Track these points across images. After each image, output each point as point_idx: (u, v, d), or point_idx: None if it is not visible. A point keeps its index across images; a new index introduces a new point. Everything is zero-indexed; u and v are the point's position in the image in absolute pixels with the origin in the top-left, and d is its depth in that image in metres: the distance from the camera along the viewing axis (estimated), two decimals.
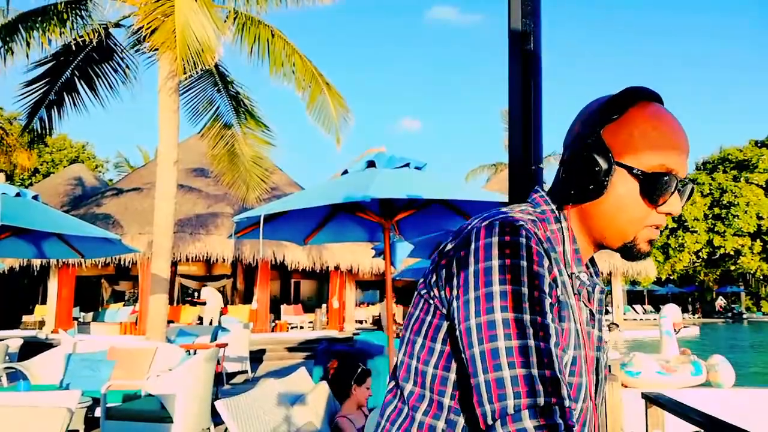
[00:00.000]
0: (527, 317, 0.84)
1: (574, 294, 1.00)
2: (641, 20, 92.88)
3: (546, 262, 0.90)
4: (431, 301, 0.97)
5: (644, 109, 0.98)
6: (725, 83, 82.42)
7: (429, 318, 0.98)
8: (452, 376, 0.95)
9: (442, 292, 0.94)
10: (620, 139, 0.97)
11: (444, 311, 0.95)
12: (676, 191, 0.97)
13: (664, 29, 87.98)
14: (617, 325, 25.22)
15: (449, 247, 0.96)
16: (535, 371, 0.81)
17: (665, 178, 0.95)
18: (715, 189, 40.61)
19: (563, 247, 1.01)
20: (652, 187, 0.95)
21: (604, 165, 0.96)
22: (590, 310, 1.05)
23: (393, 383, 1.06)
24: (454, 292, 0.91)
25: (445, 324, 0.95)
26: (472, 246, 0.90)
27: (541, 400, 0.79)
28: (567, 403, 0.82)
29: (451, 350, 0.95)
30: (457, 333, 0.89)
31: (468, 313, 0.87)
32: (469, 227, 0.94)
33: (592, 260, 1.12)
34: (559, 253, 1.00)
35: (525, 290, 0.85)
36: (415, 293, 1.03)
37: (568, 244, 1.01)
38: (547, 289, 0.89)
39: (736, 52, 79.46)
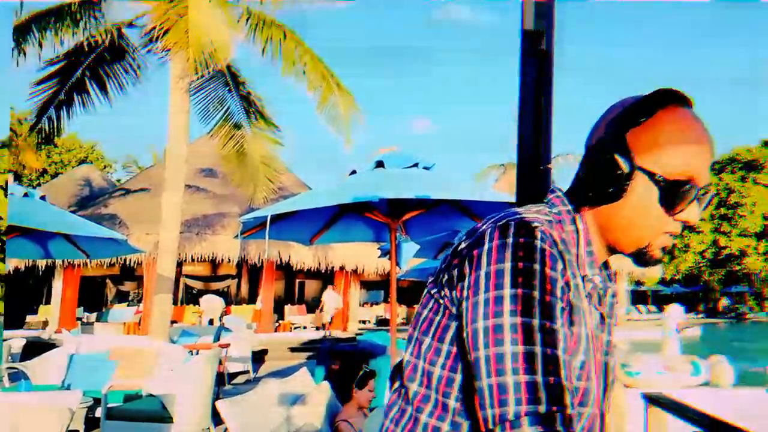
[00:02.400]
0: (536, 322, 0.83)
1: (586, 297, 0.98)
2: (652, 19, 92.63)
3: (560, 265, 0.89)
4: (441, 301, 0.96)
5: (672, 113, 0.95)
6: (734, 83, 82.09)
7: (438, 318, 0.96)
8: (459, 377, 0.94)
9: (453, 292, 0.93)
10: (645, 142, 0.94)
11: (453, 311, 0.93)
12: (696, 200, 0.94)
13: (677, 26, 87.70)
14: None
15: (462, 246, 0.94)
16: (539, 378, 0.80)
17: (686, 187, 0.92)
18: (722, 189, 40.46)
19: (578, 249, 0.99)
20: (673, 195, 0.92)
21: (625, 168, 0.93)
22: (601, 314, 1.03)
23: (398, 383, 1.04)
24: (465, 293, 0.89)
25: (454, 324, 0.94)
26: (485, 246, 0.89)
27: (543, 408, 0.78)
28: (570, 410, 0.80)
29: (458, 351, 0.93)
30: (465, 334, 0.88)
31: (476, 315, 0.86)
32: (484, 227, 0.93)
33: (605, 263, 1.09)
34: (574, 255, 0.98)
35: (536, 294, 0.84)
36: (425, 291, 1.01)
37: (583, 247, 0.99)
38: (559, 293, 0.87)
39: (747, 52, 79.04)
